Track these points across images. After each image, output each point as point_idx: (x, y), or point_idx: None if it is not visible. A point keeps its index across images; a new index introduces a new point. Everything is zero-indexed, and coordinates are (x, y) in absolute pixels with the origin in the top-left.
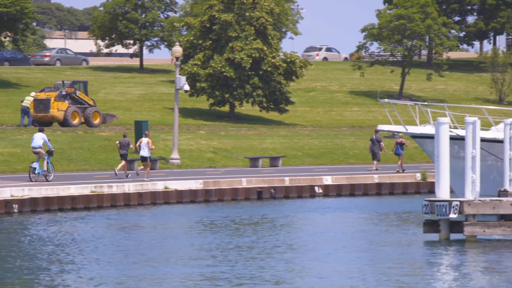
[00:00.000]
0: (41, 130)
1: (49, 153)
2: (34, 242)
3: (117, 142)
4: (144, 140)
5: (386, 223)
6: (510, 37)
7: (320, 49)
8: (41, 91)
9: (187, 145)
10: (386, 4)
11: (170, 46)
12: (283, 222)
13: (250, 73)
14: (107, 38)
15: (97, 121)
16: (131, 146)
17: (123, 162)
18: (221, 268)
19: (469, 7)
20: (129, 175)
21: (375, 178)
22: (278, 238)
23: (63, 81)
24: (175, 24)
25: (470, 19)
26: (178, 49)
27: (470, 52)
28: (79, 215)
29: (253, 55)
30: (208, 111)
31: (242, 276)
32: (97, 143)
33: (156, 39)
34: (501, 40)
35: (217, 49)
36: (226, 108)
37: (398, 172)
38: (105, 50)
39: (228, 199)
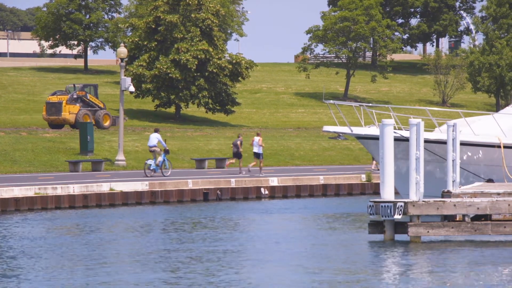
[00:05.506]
0: (156, 131)
1: (165, 151)
2: None
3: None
4: (256, 138)
5: (332, 224)
6: (452, 39)
7: None
8: (53, 95)
9: (133, 147)
10: (331, 6)
11: (115, 47)
12: (229, 224)
13: (195, 74)
14: (51, 38)
15: (107, 123)
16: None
17: (233, 160)
18: (160, 274)
19: (412, 10)
20: (244, 172)
21: (321, 180)
22: (223, 241)
23: (74, 85)
24: (119, 25)
25: (413, 21)
26: (123, 50)
27: (413, 54)
28: (22, 217)
29: (199, 56)
30: (153, 113)
31: (183, 281)
32: (41, 144)
33: (100, 40)
34: (444, 43)
35: (162, 50)
36: (172, 109)
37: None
38: (49, 51)
39: (174, 200)
